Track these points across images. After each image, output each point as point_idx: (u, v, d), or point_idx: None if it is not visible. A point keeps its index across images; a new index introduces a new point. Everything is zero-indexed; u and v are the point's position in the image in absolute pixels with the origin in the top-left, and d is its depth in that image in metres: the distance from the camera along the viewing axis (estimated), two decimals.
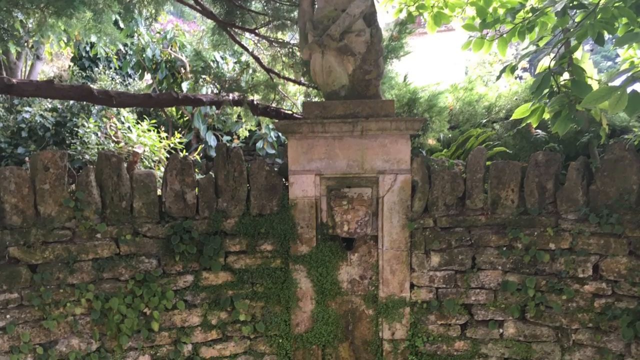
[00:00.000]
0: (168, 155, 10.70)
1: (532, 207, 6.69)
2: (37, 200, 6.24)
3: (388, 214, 6.93)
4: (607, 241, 6.41)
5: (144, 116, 13.77)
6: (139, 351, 6.78)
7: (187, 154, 12.74)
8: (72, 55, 18.25)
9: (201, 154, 13.45)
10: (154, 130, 11.55)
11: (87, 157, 8.86)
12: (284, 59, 10.73)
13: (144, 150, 10.45)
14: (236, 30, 10.35)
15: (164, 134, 11.67)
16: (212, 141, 13.85)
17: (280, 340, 7.15)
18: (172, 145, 11.50)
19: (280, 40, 10.56)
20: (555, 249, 6.61)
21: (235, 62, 13.86)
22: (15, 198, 6.15)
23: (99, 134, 10.87)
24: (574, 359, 6.68)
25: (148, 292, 6.63)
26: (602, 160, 6.49)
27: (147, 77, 15.50)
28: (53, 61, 19.96)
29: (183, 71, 13.74)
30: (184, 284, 6.89)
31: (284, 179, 7.12)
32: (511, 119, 9.05)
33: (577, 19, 6.39)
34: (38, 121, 11.91)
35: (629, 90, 4.89)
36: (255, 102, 10.54)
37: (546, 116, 6.61)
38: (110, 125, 11.12)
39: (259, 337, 7.16)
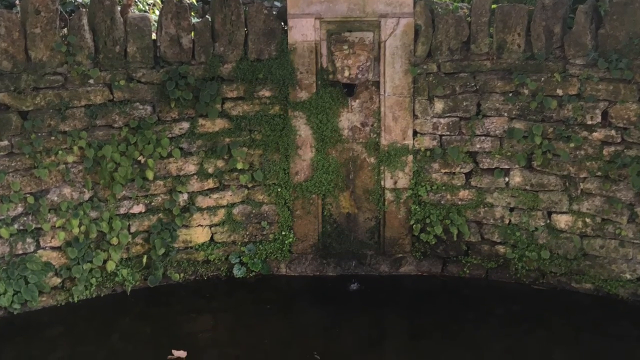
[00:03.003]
0: None
1: (539, 51, 6.89)
2: (28, 45, 6.49)
3: (390, 59, 7.16)
4: (616, 87, 6.61)
5: None
6: (133, 200, 7.20)
7: None
8: None
9: None
10: None
11: (79, 0, 8.98)
12: None
13: None
14: None
15: None
16: None
17: (279, 189, 7.55)
18: None
19: None
20: (563, 95, 6.84)
21: None
22: (5, 42, 6.39)
23: None
24: (582, 208, 7.01)
25: (142, 140, 6.97)
26: (611, 3, 6.61)
27: None
28: None
29: None
30: (179, 131, 7.24)
31: (282, 23, 7.32)
32: None
33: None
34: None
35: None
36: None
37: None
38: None
39: (257, 186, 7.55)
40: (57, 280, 6.97)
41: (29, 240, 6.78)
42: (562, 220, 7.13)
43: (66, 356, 6.37)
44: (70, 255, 6.88)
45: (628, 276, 6.88)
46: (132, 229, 7.24)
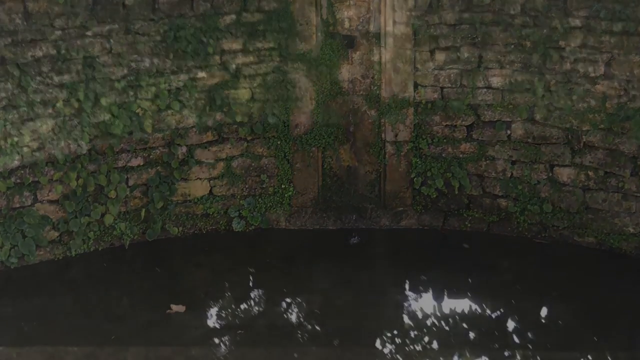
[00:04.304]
0: None
1: (542, 3, 7.06)
2: None
3: (391, 10, 7.38)
4: (619, 38, 6.76)
5: None
6: (132, 153, 7.57)
7: None
8: None
9: None
10: None
11: None
12: None
13: None
14: None
15: None
16: None
17: (279, 142, 7.81)
18: None
19: None
20: (565, 46, 7.00)
21: None
22: None
23: None
24: (585, 161, 7.21)
25: (141, 92, 7.35)
26: None
27: None
28: None
29: None
30: (178, 83, 7.57)
31: None
32: None
33: None
34: None
35: None
36: None
37: None
38: None
39: (256, 139, 7.83)
40: (55, 234, 7.30)
41: (26, 193, 7.10)
42: (565, 174, 7.35)
43: (64, 311, 6.55)
44: (68, 208, 7.21)
45: (631, 230, 7.10)
46: (130, 182, 7.56)
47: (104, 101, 7.28)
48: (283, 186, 7.88)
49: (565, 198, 7.37)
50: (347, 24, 7.37)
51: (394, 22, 7.38)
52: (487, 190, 7.69)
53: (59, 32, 7.21)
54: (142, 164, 7.64)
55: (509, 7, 7.18)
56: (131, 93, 7.42)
